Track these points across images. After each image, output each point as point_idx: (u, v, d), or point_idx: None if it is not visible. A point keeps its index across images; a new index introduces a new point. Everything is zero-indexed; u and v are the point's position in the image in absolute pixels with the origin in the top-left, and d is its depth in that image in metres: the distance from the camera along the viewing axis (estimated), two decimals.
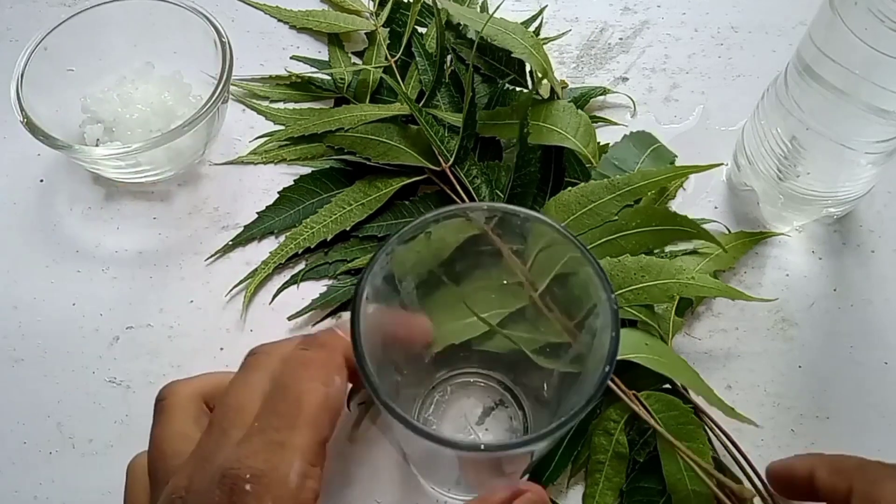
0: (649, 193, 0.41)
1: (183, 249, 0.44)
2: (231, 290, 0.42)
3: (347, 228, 0.42)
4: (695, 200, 0.45)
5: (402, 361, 0.33)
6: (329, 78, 0.49)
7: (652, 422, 0.34)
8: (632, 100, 0.49)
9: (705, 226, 0.42)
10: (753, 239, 0.42)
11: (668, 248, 0.41)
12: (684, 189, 0.45)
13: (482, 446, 0.24)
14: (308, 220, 0.42)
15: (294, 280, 0.42)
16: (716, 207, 0.45)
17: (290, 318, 0.40)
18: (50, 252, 0.44)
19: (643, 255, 0.36)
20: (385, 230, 0.43)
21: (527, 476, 0.35)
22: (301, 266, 0.42)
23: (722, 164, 0.44)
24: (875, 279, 0.42)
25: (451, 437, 0.24)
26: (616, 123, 0.48)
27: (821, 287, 0.42)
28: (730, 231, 0.43)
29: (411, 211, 0.43)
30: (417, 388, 0.36)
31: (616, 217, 0.36)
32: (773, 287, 0.42)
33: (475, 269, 0.33)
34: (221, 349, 0.40)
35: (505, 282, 0.33)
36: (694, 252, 0.41)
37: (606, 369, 0.25)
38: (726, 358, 0.40)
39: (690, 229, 0.36)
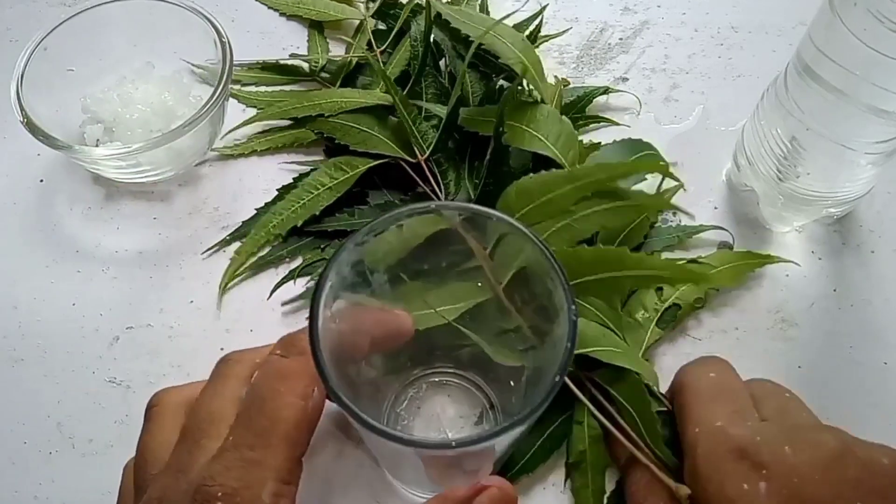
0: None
1: (183, 249, 0.44)
2: (226, 286, 0.42)
3: (317, 213, 0.42)
4: (695, 201, 0.45)
5: (376, 356, 0.33)
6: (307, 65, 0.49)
7: (607, 411, 0.34)
8: (637, 98, 0.48)
9: (707, 234, 0.42)
10: (758, 262, 0.41)
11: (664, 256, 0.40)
12: (685, 190, 0.45)
13: (416, 441, 0.24)
14: (276, 206, 0.42)
15: (291, 275, 0.42)
16: (716, 208, 0.45)
17: (284, 304, 0.41)
18: (50, 252, 0.44)
19: (601, 246, 0.35)
20: None
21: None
22: (298, 262, 0.42)
23: (680, 185, 0.42)
24: (875, 279, 0.42)
25: (390, 430, 0.24)
26: (618, 124, 0.48)
27: (821, 287, 0.42)
28: (733, 240, 0.42)
29: None
30: (392, 383, 0.36)
31: (573, 208, 0.35)
32: (773, 287, 0.42)
33: (445, 261, 0.33)
34: (221, 349, 0.40)
35: (479, 282, 0.33)
36: (694, 262, 0.40)
37: (556, 379, 0.25)
38: (726, 358, 0.39)
39: (645, 203, 0.35)
